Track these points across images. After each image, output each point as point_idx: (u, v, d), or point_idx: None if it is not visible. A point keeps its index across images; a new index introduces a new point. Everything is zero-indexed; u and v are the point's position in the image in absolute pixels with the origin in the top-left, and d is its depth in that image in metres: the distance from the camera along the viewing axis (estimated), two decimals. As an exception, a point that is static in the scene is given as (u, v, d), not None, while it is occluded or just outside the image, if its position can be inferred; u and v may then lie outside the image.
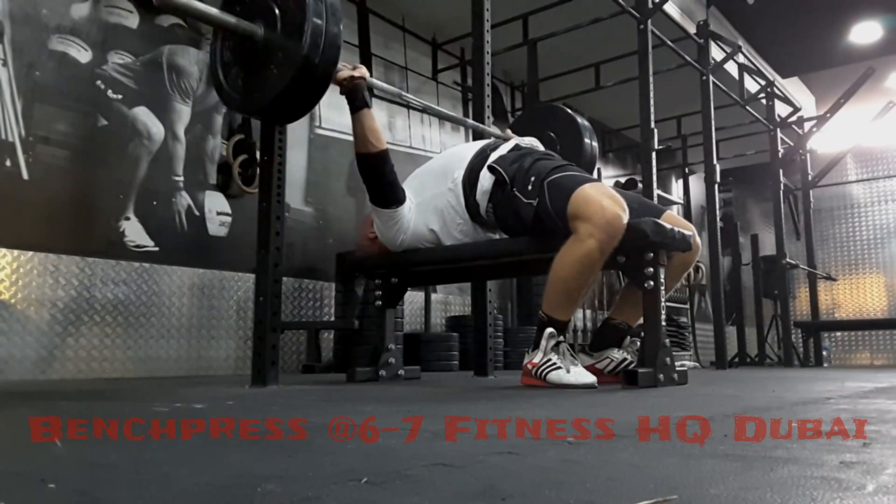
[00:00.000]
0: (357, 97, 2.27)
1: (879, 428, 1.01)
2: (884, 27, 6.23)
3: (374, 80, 2.41)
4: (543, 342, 2.04)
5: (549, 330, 2.04)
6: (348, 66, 2.24)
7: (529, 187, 2.12)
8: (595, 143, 3.21)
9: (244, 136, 3.80)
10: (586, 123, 3.26)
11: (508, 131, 2.88)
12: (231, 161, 3.72)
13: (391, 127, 4.82)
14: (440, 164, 2.49)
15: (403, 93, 2.74)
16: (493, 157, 2.28)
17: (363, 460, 0.73)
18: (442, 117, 3.07)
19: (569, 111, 3.40)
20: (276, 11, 2.00)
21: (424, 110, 3.19)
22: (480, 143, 2.47)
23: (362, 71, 2.27)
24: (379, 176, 2.34)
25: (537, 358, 2.04)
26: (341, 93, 2.27)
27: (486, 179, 2.24)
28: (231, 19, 2.03)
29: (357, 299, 3.84)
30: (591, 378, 2.01)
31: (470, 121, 3.09)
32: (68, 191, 3.06)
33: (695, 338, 6.13)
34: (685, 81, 5.24)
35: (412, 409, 1.38)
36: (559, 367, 2.01)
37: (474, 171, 2.29)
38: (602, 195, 2.01)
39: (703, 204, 5.88)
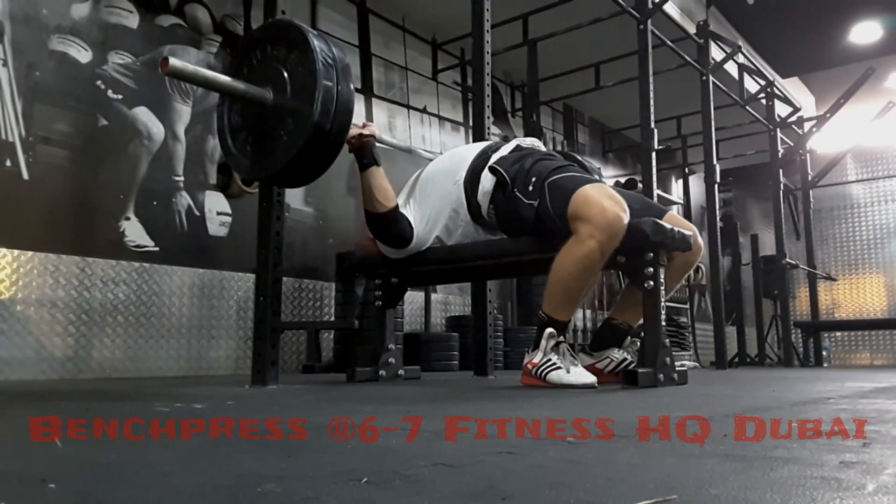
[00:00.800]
0: (366, 155, 2.25)
1: (879, 428, 1.01)
2: (884, 27, 6.23)
3: (383, 136, 2.37)
4: (543, 342, 2.04)
5: (549, 330, 2.04)
6: (357, 125, 2.21)
7: (530, 188, 2.12)
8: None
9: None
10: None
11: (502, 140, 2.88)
12: (231, 161, 3.71)
13: (391, 127, 4.82)
14: (442, 166, 2.48)
15: (414, 147, 2.74)
16: (495, 158, 2.27)
17: (363, 460, 0.73)
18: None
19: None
20: (286, 76, 1.92)
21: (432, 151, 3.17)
22: (482, 145, 2.46)
23: (371, 129, 2.26)
24: (387, 232, 2.34)
25: (537, 358, 2.04)
26: (349, 151, 2.24)
27: (487, 181, 2.24)
28: (241, 86, 1.96)
29: (357, 299, 3.84)
30: (591, 378, 2.01)
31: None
32: (68, 191, 3.06)
33: (695, 338, 6.13)
34: (685, 81, 5.24)
35: (412, 409, 1.38)
36: (559, 367, 2.01)
37: (476, 172, 2.29)
38: (603, 196, 2.01)
39: (703, 204, 5.88)
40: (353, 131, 2.18)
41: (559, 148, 5.64)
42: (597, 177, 2.23)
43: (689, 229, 2.16)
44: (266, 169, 2.02)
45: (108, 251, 3.15)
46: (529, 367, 2.06)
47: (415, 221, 2.37)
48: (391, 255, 2.43)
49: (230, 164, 2.21)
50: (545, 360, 2.02)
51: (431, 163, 2.54)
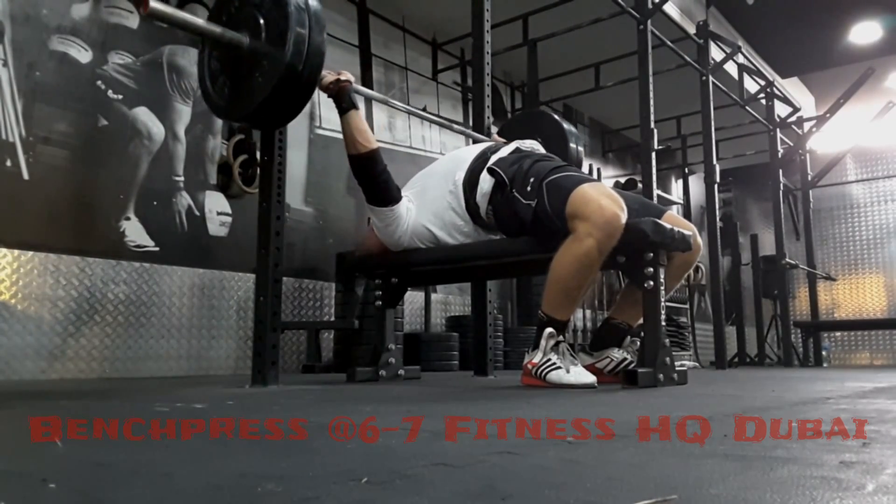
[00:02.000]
0: (344, 99, 2.30)
1: (879, 428, 1.01)
2: (883, 27, 6.24)
3: (359, 86, 2.46)
4: (543, 342, 2.04)
5: (549, 330, 2.04)
6: (333, 72, 2.27)
7: (528, 188, 2.12)
8: (580, 148, 3.22)
9: (244, 137, 3.80)
10: (572, 129, 3.27)
11: (496, 136, 2.89)
12: (231, 161, 3.72)
13: (391, 127, 4.82)
14: (441, 167, 2.49)
15: (389, 99, 2.79)
16: (494, 159, 2.28)
17: (363, 460, 0.73)
18: (429, 120, 3.09)
19: (555, 116, 3.40)
20: (261, 21, 2.04)
21: (410, 113, 3.21)
22: (482, 146, 2.47)
23: (347, 75, 2.31)
24: (371, 176, 2.34)
25: (537, 358, 2.04)
26: (328, 96, 2.30)
27: (485, 181, 2.25)
28: (217, 29, 2.07)
29: (357, 299, 3.84)
30: (590, 378, 2.01)
31: (457, 126, 3.10)
32: (69, 191, 3.06)
33: (694, 338, 6.13)
34: (685, 82, 5.24)
35: (412, 409, 1.38)
36: (559, 367, 2.01)
37: (474, 173, 2.29)
38: (600, 195, 2.01)
39: (703, 204, 5.88)
40: (331, 77, 2.24)
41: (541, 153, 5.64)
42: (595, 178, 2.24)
43: (688, 229, 2.16)
44: (242, 109, 2.12)
45: (108, 251, 3.16)
46: (529, 367, 2.06)
47: (413, 213, 2.39)
48: (387, 230, 2.40)
49: (209, 106, 2.28)
50: (545, 359, 2.02)
51: (433, 164, 2.56)
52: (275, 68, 1.98)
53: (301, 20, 1.98)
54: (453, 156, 2.56)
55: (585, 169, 3.28)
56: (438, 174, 2.45)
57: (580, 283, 2.03)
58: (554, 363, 2.01)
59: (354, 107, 2.31)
